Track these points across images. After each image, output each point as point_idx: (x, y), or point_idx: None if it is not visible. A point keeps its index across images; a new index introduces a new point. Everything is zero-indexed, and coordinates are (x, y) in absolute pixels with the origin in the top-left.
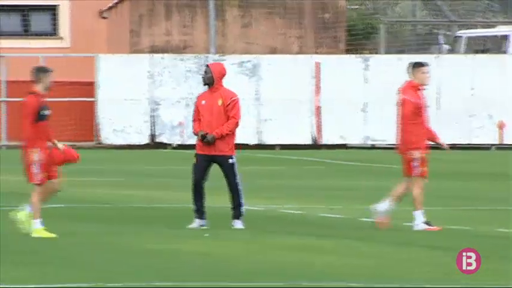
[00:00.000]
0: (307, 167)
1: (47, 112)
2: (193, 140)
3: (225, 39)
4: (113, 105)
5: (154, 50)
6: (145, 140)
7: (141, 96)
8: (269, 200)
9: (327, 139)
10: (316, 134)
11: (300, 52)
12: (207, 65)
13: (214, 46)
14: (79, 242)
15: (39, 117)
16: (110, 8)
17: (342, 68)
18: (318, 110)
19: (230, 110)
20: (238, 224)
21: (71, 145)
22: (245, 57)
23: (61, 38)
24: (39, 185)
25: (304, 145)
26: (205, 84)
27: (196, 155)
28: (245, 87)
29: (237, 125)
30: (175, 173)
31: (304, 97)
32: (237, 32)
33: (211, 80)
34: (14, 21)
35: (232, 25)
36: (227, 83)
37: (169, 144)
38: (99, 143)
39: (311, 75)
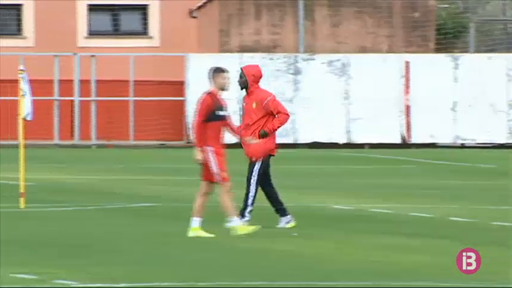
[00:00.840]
0: (397, 166)
1: (221, 112)
2: (280, 139)
3: (314, 39)
4: None
5: (243, 49)
6: (234, 138)
7: (231, 95)
8: (359, 199)
9: (416, 138)
10: (405, 133)
11: (390, 51)
12: (241, 69)
13: (303, 45)
14: (171, 241)
15: (213, 117)
16: (199, 7)
17: (431, 67)
18: (408, 109)
19: (273, 109)
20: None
21: (161, 144)
22: (334, 56)
23: (151, 38)
24: (222, 183)
25: (394, 144)
26: (241, 89)
27: None
28: (334, 86)
29: (287, 116)
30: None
31: (394, 96)
32: (326, 31)
33: (246, 83)
34: (104, 21)
35: (322, 24)
36: (317, 82)
37: None
38: (189, 142)
39: (400, 74)
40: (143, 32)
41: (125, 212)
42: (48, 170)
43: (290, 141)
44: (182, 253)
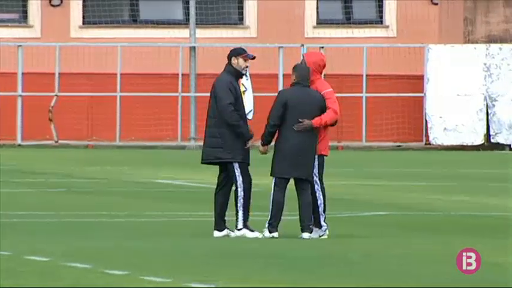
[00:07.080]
0: None
1: None
2: None
3: None
4: (443, 102)
5: (490, 39)
6: (479, 140)
7: (476, 91)
8: None
9: None
10: None
11: None
12: (303, 55)
13: None
14: (403, 253)
15: None
16: None
17: None
18: None
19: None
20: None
21: (397, 145)
22: None
23: (386, 27)
24: None
25: None
26: None
27: None
28: None
29: (335, 115)
30: None
31: None
32: None
33: None
34: (335, 9)
35: None
36: None
37: (507, 145)
38: (428, 144)
39: None
40: (378, 21)
41: (354, 222)
42: None
43: None
44: (417, 266)
